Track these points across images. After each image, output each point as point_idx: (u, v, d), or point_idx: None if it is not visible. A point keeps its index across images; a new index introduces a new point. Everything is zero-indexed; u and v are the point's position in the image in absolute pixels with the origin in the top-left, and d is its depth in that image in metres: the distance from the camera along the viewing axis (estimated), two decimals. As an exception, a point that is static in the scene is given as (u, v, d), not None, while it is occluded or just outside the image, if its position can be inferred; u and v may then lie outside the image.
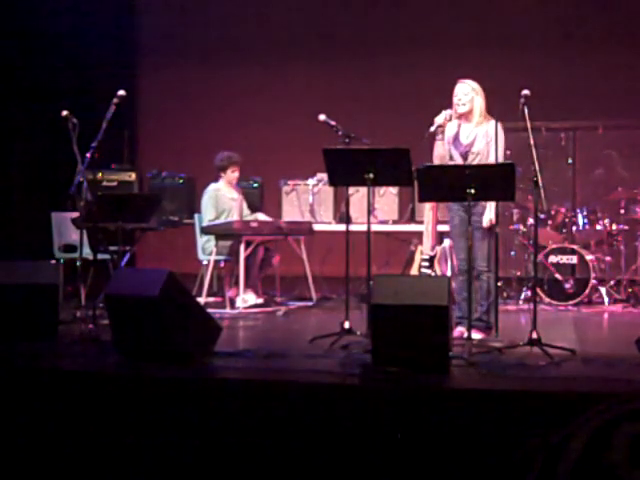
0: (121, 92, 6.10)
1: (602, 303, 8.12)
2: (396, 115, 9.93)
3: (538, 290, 7.81)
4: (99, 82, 9.54)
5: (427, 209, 6.58)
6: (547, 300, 8.11)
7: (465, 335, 5.38)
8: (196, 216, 8.35)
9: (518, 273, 8.58)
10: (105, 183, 8.86)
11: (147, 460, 4.33)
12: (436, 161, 5.99)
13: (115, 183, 8.94)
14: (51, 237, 8.31)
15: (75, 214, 6.88)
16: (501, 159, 5.84)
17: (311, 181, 8.73)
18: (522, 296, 8.19)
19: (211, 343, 5.18)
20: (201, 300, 7.32)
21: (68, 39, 9.97)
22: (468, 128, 6.00)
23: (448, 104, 6.03)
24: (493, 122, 5.90)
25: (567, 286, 8.18)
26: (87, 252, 6.41)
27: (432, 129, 5.94)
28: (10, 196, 9.83)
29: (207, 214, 8.06)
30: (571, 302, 8.09)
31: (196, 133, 10.76)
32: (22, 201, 9.82)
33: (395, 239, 8.40)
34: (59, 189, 6.90)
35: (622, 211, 8.46)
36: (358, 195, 7.91)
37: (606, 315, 7.69)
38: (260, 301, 7.85)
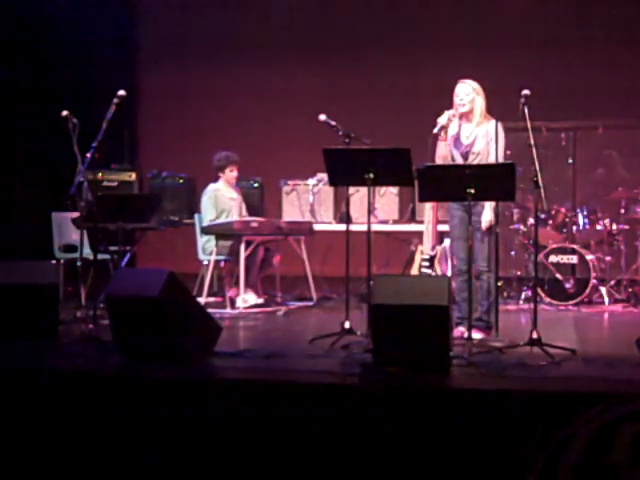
0: (121, 92, 6.10)
1: (602, 303, 8.11)
2: (396, 115, 9.93)
3: (538, 290, 7.80)
4: (99, 82, 9.54)
5: (427, 209, 6.58)
6: (547, 300, 8.10)
7: (465, 335, 5.38)
8: (196, 216, 8.35)
9: (518, 273, 8.58)
10: (105, 183, 8.85)
11: (147, 460, 4.33)
12: (438, 161, 5.98)
13: (115, 183, 8.94)
14: (51, 237, 8.31)
15: (75, 214, 6.88)
16: (501, 159, 5.84)
17: (311, 181, 8.72)
18: (522, 296, 8.18)
19: (211, 343, 5.18)
20: (201, 300, 7.31)
21: (68, 39, 9.98)
22: (468, 128, 6.00)
23: (448, 104, 6.02)
24: (493, 122, 5.90)
25: (567, 286, 8.17)
26: (87, 252, 6.42)
27: (436, 130, 5.93)
28: (10, 196, 9.84)
29: (207, 214, 8.06)
30: (571, 302, 8.09)
31: (196, 133, 10.76)
32: (22, 201, 9.83)
33: (395, 239, 8.40)
34: (59, 189, 6.91)
35: (622, 211, 8.45)
36: (358, 195, 7.90)
37: (606, 315, 7.68)
38: (260, 301, 7.86)
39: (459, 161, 5.96)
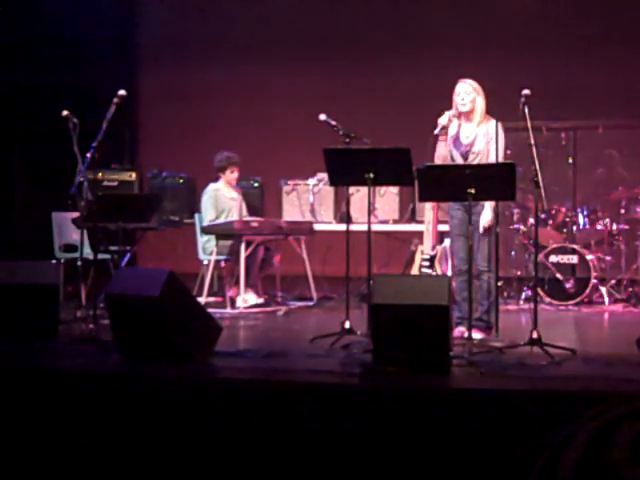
0: (121, 92, 6.10)
1: (602, 303, 8.11)
2: (396, 115, 9.93)
3: (539, 290, 7.79)
4: (99, 82, 9.54)
5: (427, 209, 6.58)
6: (548, 300, 8.10)
7: (465, 335, 5.38)
8: (196, 216, 8.35)
9: (518, 273, 8.58)
10: (105, 183, 8.85)
11: (147, 459, 4.33)
12: (438, 161, 5.97)
13: (115, 183, 8.94)
14: (52, 237, 8.31)
15: (76, 214, 6.88)
16: (501, 159, 5.84)
17: (311, 181, 8.72)
18: (523, 296, 8.18)
19: (211, 343, 5.18)
20: (202, 300, 7.32)
21: (68, 39, 9.98)
22: (469, 128, 6.00)
23: (448, 104, 6.02)
24: (493, 122, 5.90)
25: (568, 286, 8.17)
26: (88, 252, 6.42)
27: (437, 131, 5.92)
28: (11, 196, 9.84)
29: (207, 214, 8.06)
30: (571, 302, 8.09)
31: (196, 133, 10.77)
32: (23, 201, 9.83)
33: (395, 239, 8.40)
34: (60, 189, 6.91)
35: (622, 211, 8.46)
36: (359, 195, 7.91)
37: (606, 315, 7.68)
38: (260, 301, 7.86)
39: (459, 161, 5.96)
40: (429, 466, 3.99)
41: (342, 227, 7.15)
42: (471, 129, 5.98)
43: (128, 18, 11.10)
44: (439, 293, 4.65)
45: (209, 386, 4.53)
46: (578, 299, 8.08)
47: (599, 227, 8.48)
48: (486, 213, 5.85)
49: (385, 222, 8.53)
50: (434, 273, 6.83)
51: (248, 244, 7.75)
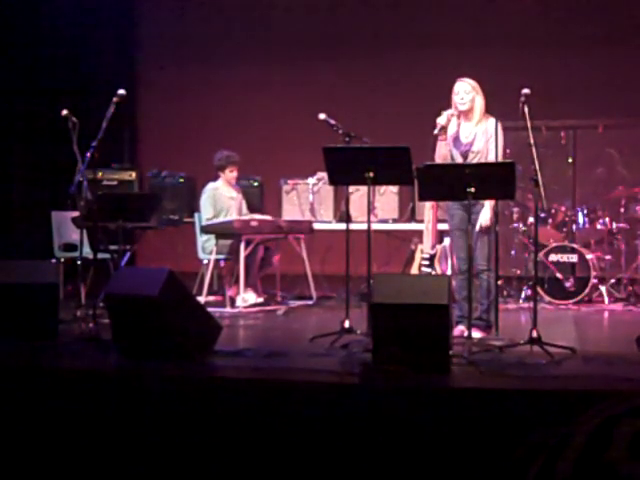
0: (121, 91, 6.10)
1: (602, 302, 8.12)
2: (396, 115, 9.93)
3: (538, 289, 7.80)
4: (99, 82, 9.54)
5: (427, 208, 6.59)
6: (547, 299, 8.11)
7: (465, 334, 5.38)
8: (196, 215, 8.35)
9: (518, 272, 8.58)
10: (105, 182, 8.86)
11: (147, 459, 4.34)
12: (438, 161, 5.96)
13: (115, 182, 8.94)
14: (51, 236, 8.32)
15: (75, 213, 6.88)
16: (501, 158, 5.84)
17: (311, 180, 8.72)
18: (522, 295, 8.18)
19: (211, 342, 5.18)
20: (201, 299, 7.32)
21: (68, 38, 9.98)
22: (468, 127, 6.00)
23: (448, 104, 6.01)
24: (492, 120, 5.89)
25: (567, 285, 8.17)
26: (87, 251, 6.42)
27: (436, 132, 5.91)
28: (10, 195, 9.84)
29: (205, 213, 8.07)
30: (571, 301, 8.09)
31: (196, 132, 10.77)
32: (22, 200, 9.83)
33: (395, 238, 8.40)
34: (59, 188, 6.92)
35: (622, 210, 8.45)
36: (358, 194, 7.90)
37: (606, 314, 7.69)
38: (260, 300, 7.86)
39: (459, 160, 5.95)
40: (429, 465, 4.00)
41: (342, 226, 7.15)
42: (470, 128, 5.98)
43: (128, 17, 11.10)
44: (439, 292, 4.66)
45: (209, 385, 4.53)
46: (578, 298, 8.08)
47: (599, 226, 8.48)
48: (485, 212, 5.85)
49: (385, 221, 8.53)
50: (434, 272, 6.84)
51: (248, 243, 7.74)
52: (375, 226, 7.09)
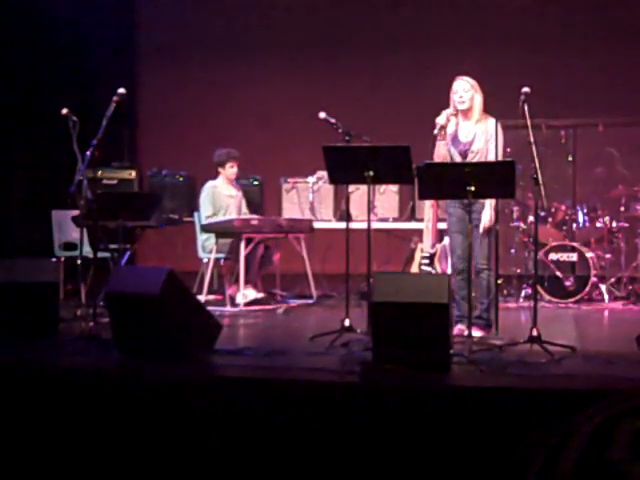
0: (121, 90, 6.09)
1: (602, 300, 8.13)
2: (396, 115, 9.94)
3: (538, 287, 7.81)
4: (99, 81, 9.54)
5: (427, 207, 6.58)
6: (547, 297, 8.11)
7: (465, 333, 5.38)
8: (196, 214, 8.35)
9: (518, 271, 8.58)
10: (105, 181, 8.85)
11: (147, 458, 4.34)
12: (438, 161, 5.96)
13: (115, 181, 8.94)
14: (51, 235, 8.32)
15: (75, 212, 6.88)
16: (501, 158, 5.83)
17: (311, 179, 8.73)
18: (522, 294, 8.19)
19: (211, 341, 5.18)
20: (201, 298, 7.32)
21: (68, 38, 9.98)
22: (467, 126, 5.99)
23: (448, 103, 6.00)
24: (492, 120, 5.89)
25: (567, 283, 8.18)
26: (87, 250, 6.41)
27: (436, 131, 5.90)
28: (10, 194, 9.84)
29: (204, 210, 8.08)
30: (571, 299, 8.09)
31: (196, 131, 10.77)
32: (22, 199, 9.83)
33: (395, 237, 8.41)
34: (59, 187, 6.92)
35: (622, 208, 8.46)
36: (358, 193, 7.91)
37: (606, 312, 7.69)
38: (260, 296, 7.86)
39: (457, 159, 5.94)
40: (429, 464, 4.00)
41: (342, 225, 7.15)
42: (469, 127, 5.97)
43: (128, 17, 11.09)
44: (439, 291, 4.65)
45: (209, 384, 4.53)
46: (578, 297, 8.09)
47: (599, 225, 8.48)
48: (486, 213, 5.84)
49: (385, 220, 8.54)
50: (434, 271, 6.84)
51: (248, 242, 7.74)
52: (375, 225, 7.09)
